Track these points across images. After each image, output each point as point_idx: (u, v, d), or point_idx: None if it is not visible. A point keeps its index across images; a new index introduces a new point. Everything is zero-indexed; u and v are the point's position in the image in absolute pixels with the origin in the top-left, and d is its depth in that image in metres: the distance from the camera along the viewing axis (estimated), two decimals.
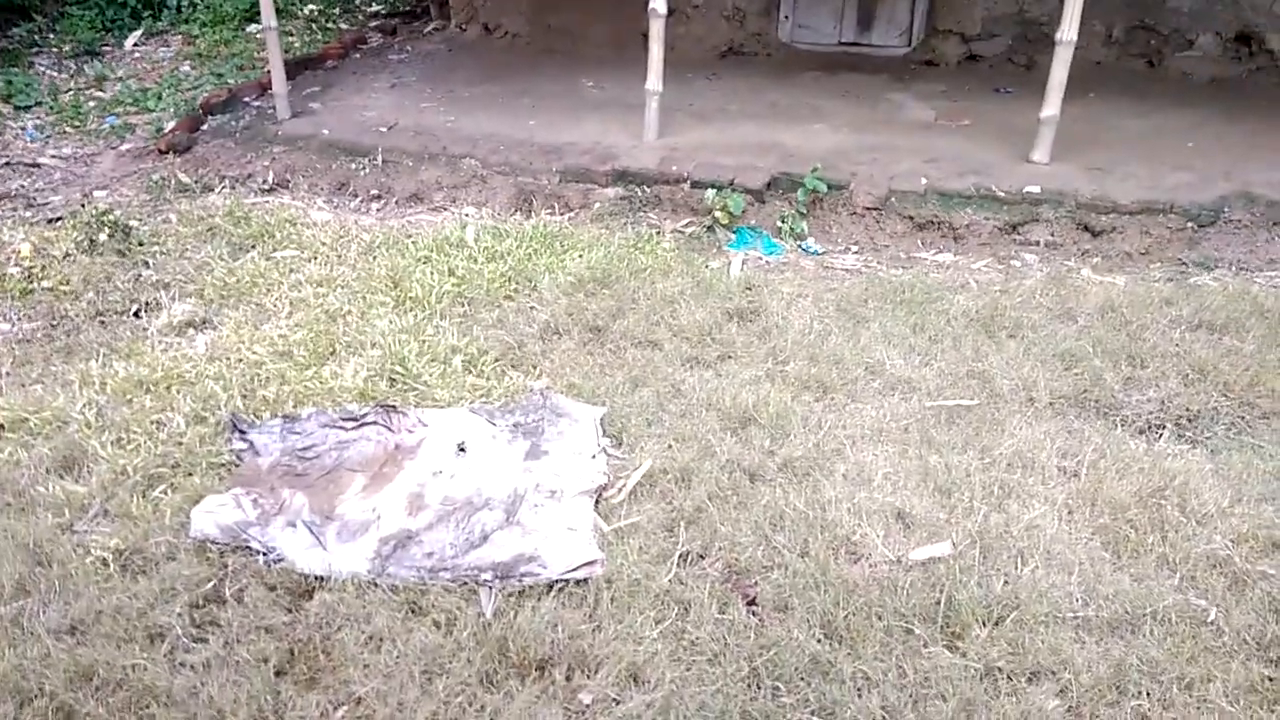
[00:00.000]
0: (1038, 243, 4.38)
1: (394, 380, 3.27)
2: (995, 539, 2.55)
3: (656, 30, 4.91)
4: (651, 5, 4.86)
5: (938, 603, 2.34)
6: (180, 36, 7.50)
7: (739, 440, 2.97)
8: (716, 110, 5.64)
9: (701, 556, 2.52)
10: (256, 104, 5.80)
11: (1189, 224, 4.35)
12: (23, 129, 5.72)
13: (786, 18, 7.00)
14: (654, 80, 5.01)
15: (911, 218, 4.53)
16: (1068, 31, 4.49)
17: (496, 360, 3.43)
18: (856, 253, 4.47)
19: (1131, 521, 2.63)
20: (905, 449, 2.94)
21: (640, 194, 4.80)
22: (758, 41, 7.06)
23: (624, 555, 2.48)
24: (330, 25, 7.78)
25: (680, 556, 2.50)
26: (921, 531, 2.59)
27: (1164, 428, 3.09)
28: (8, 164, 5.24)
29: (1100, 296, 3.85)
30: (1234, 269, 4.19)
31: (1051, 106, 4.64)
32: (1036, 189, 4.51)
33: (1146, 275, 4.15)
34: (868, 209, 4.59)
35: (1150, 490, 2.73)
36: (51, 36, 7.45)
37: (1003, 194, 4.52)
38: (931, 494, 2.74)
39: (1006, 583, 2.40)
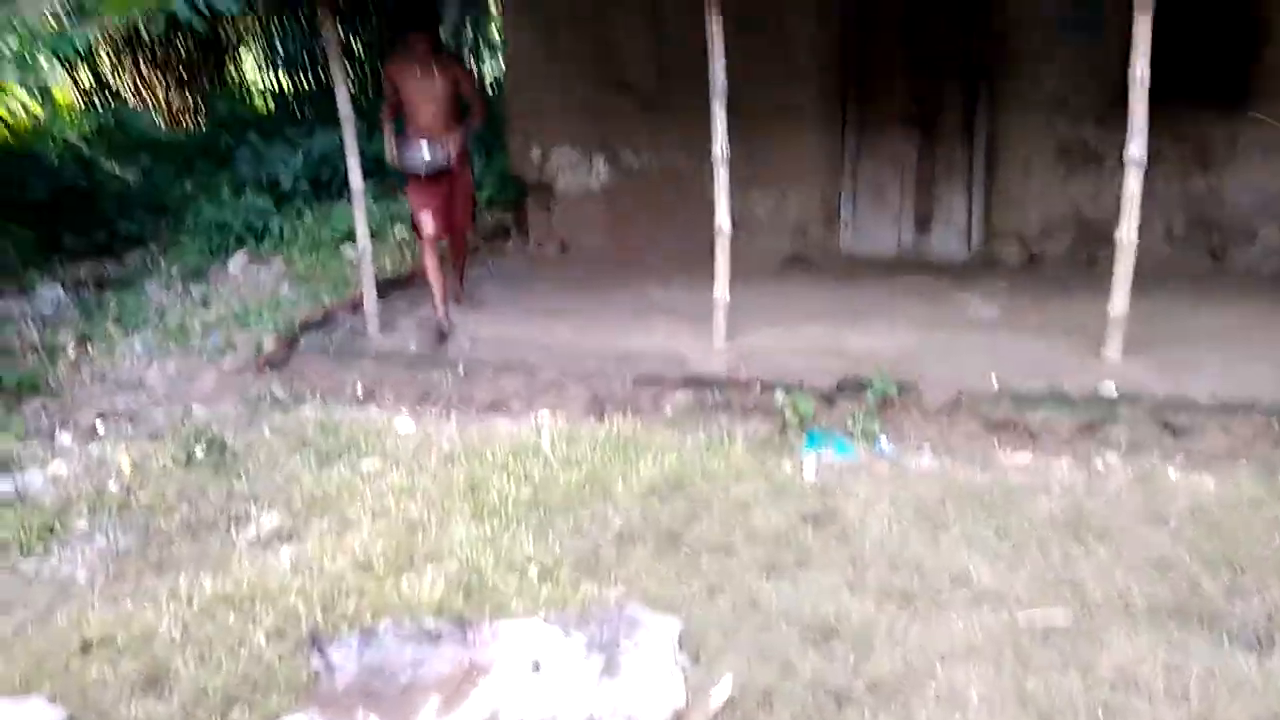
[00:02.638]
0: (1118, 442, 4.30)
1: (470, 592, 3.29)
2: None
3: (722, 244, 5.17)
4: (717, 223, 5.13)
5: None
6: (281, 259, 8.09)
7: (822, 655, 2.88)
8: (782, 315, 5.80)
9: None
10: (350, 321, 6.16)
11: (1272, 420, 4.25)
12: (131, 349, 6.13)
13: (846, 226, 7.29)
14: (721, 289, 5.22)
15: (985, 418, 4.51)
16: (1127, 232, 4.59)
17: (571, 569, 3.43)
18: (931, 454, 4.44)
19: None
20: (999, 668, 2.81)
21: (711, 397, 4.89)
22: (820, 249, 7.33)
23: None
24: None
25: None
26: None
27: (1274, 642, 2.91)
28: (115, 382, 5.59)
29: (1189, 498, 3.73)
30: None
31: (1119, 305, 4.67)
32: (1111, 387, 4.48)
33: (1234, 475, 4.01)
34: (939, 410, 4.59)
35: (1265, 716, 2.54)
36: (163, 263, 8.11)
37: (1077, 393, 4.49)
38: (1032, 719, 2.59)
39: None
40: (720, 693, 2.73)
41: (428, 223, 5.62)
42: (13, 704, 2.70)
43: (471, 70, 12.12)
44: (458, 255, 6.24)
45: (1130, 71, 4.44)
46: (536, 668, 2.86)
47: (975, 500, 3.81)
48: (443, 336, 5.59)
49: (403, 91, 5.49)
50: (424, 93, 5.45)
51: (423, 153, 5.42)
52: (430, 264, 5.72)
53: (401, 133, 5.61)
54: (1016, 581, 3.23)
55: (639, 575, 3.37)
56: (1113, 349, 4.75)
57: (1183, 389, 4.42)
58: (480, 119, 5.82)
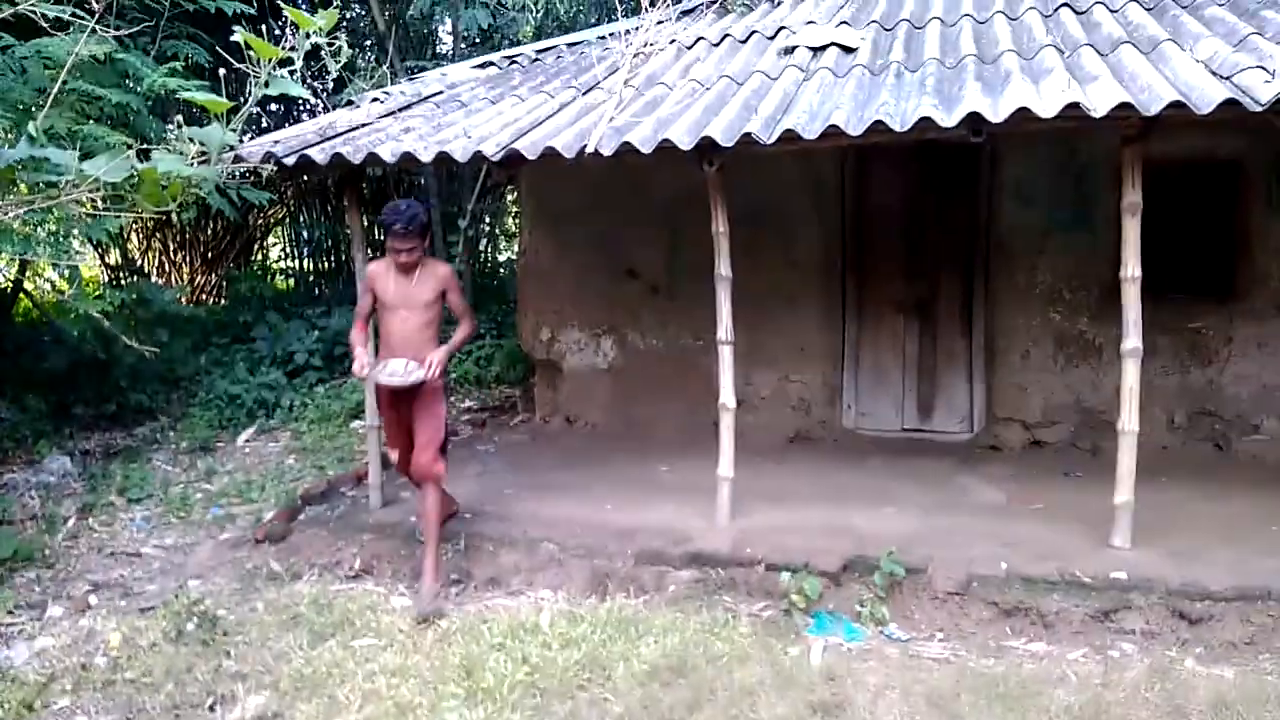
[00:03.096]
0: (1133, 631, 4.18)
1: None
2: None
3: (726, 422, 5.22)
4: (722, 400, 5.21)
5: None
6: (289, 433, 8.18)
7: None
8: (787, 493, 5.78)
9: None
10: (352, 494, 6.16)
11: None
12: (131, 520, 6.10)
13: (849, 406, 7.38)
14: (725, 466, 5.23)
15: (996, 603, 4.41)
16: (1128, 421, 4.64)
17: None
18: (942, 640, 4.31)
19: None
20: None
21: (715, 576, 4.80)
22: (823, 428, 7.39)
23: None
24: None
25: None
26: None
27: None
28: (112, 554, 5.54)
29: (1211, 692, 3.60)
30: None
31: (1124, 493, 4.66)
32: (1123, 575, 4.40)
33: (1256, 667, 3.88)
34: (949, 594, 4.50)
35: None
36: (172, 434, 8.19)
37: (1088, 580, 4.41)
38: None
39: None
40: None
41: (393, 456, 5.06)
42: None
43: (459, 277, 12.33)
44: (427, 512, 4.82)
45: (1122, 270, 4.62)
46: None
47: (990, 691, 3.67)
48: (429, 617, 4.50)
49: (380, 297, 4.74)
50: (406, 300, 4.70)
51: (391, 369, 4.65)
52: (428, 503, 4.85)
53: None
54: None
55: None
56: (1120, 537, 4.70)
57: (1195, 577, 4.34)
58: (469, 333, 4.96)
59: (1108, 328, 6.24)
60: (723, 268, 5.15)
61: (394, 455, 4.96)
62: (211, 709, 3.71)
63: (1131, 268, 4.59)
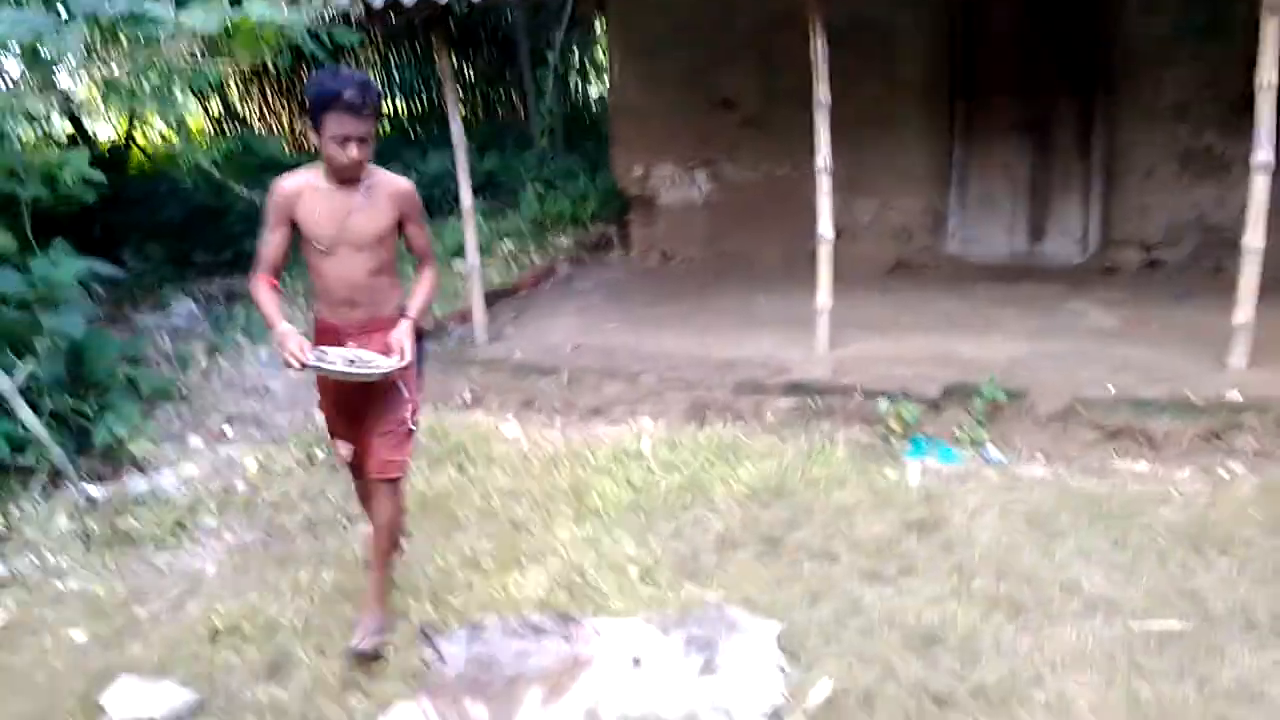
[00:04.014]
0: (1244, 451, 4.09)
1: (572, 590, 3.35)
2: None
3: (824, 252, 5.14)
4: (819, 230, 5.11)
5: None
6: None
7: (925, 662, 2.83)
8: (887, 322, 5.72)
9: None
10: (459, 331, 6.37)
11: None
12: (257, 358, 6.47)
13: (955, 232, 7.15)
14: (823, 296, 5.19)
15: (1101, 426, 4.35)
16: (1254, 238, 4.38)
17: (672, 571, 3.46)
18: (1043, 462, 4.30)
19: None
20: (1112, 677, 2.71)
21: (813, 404, 4.85)
22: (927, 255, 7.20)
23: None
24: (525, 259, 8.54)
25: None
26: None
27: None
28: (242, 389, 5.91)
29: None
30: None
31: (1245, 312, 4.45)
32: (1237, 395, 4.26)
33: None
34: (1051, 417, 4.45)
35: None
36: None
37: (1200, 401, 4.29)
38: None
39: None
40: (819, 692, 2.72)
41: (343, 450, 3.27)
42: (148, 685, 2.89)
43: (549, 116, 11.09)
44: (381, 525, 3.14)
45: (1257, 76, 4.26)
46: (637, 664, 2.90)
47: (1090, 509, 3.68)
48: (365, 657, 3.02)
49: (308, 229, 2.94)
50: (349, 232, 2.93)
51: (345, 359, 2.93)
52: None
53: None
54: (1133, 592, 3.11)
55: (738, 579, 3.38)
56: (1238, 357, 4.53)
57: None
58: (433, 285, 3.23)
59: (1237, 142, 5.79)
60: (821, 93, 4.93)
61: (342, 452, 3.25)
62: (344, 527, 4.02)
63: (1268, 75, 4.22)
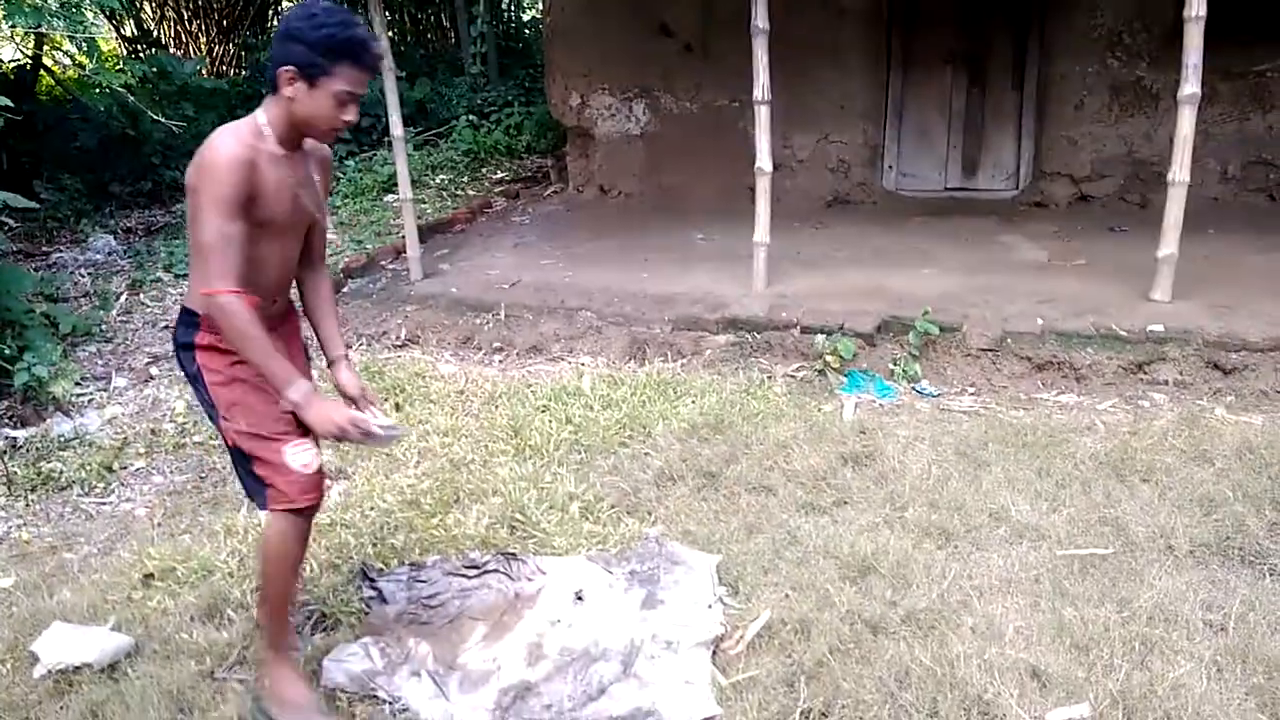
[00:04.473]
0: (1166, 382, 4.24)
1: (514, 527, 3.36)
2: (1139, 699, 2.39)
3: (763, 186, 5.12)
4: (758, 164, 5.08)
5: None
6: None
7: (859, 590, 2.90)
8: (824, 258, 5.76)
9: (824, 715, 2.44)
10: (392, 267, 6.24)
11: None
12: (180, 295, 6.27)
13: (890, 167, 7.18)
14: (761, 232, 5.19)
15: (1029, 358, 4.47)
16: (1179, 172, 4.47)
17: (612, 507, 3.48)
18: (973, 394, 4.41)
19: None
20: (1037, 601, 2.82)
21: (751, 340, 4.89)
22: (863, 190, 7.24)
23: (743, 712, 2.43)
24: (459, 193, 8.38)
25: (802, 714, 2.43)
26: (1059, 690, 2.45)
27: None
28: (167, 327, 5.73)
29: (1237, 437, 3.68)
30: None
31: (1169, 245, 4.58)
32: (1160, 328, 4.40)
33: None
34: (982, 350, 4.55)
35: None
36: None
37: (1124, 333, 4.43)
38: (1068, 650, 2.60)
39: None
40: (758, 622, 2.78)
41: (310, 462, 2.41)
42: (80, 631, 2.83)
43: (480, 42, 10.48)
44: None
45: (1185, 9, 4.30)
46: (579, 599, 2.92)
47: (1017, 440, 3.79)
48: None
49: (264, 209, 2.24)
50: (301, 213, 2.39)
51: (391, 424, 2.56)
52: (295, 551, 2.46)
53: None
54: (1057, 519, 3.23)
55: (678, 514, 3.42)
56: (1161, 290, 4.67)
57: (1233, 329, 4.33)
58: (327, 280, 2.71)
59: (1167, 74, 5.89)
60: (759, 18, 4.86)
61: (315, 462, 2.43)
62: None
63: (1196, 6, 4.27)
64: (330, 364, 2.66)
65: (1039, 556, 3.04)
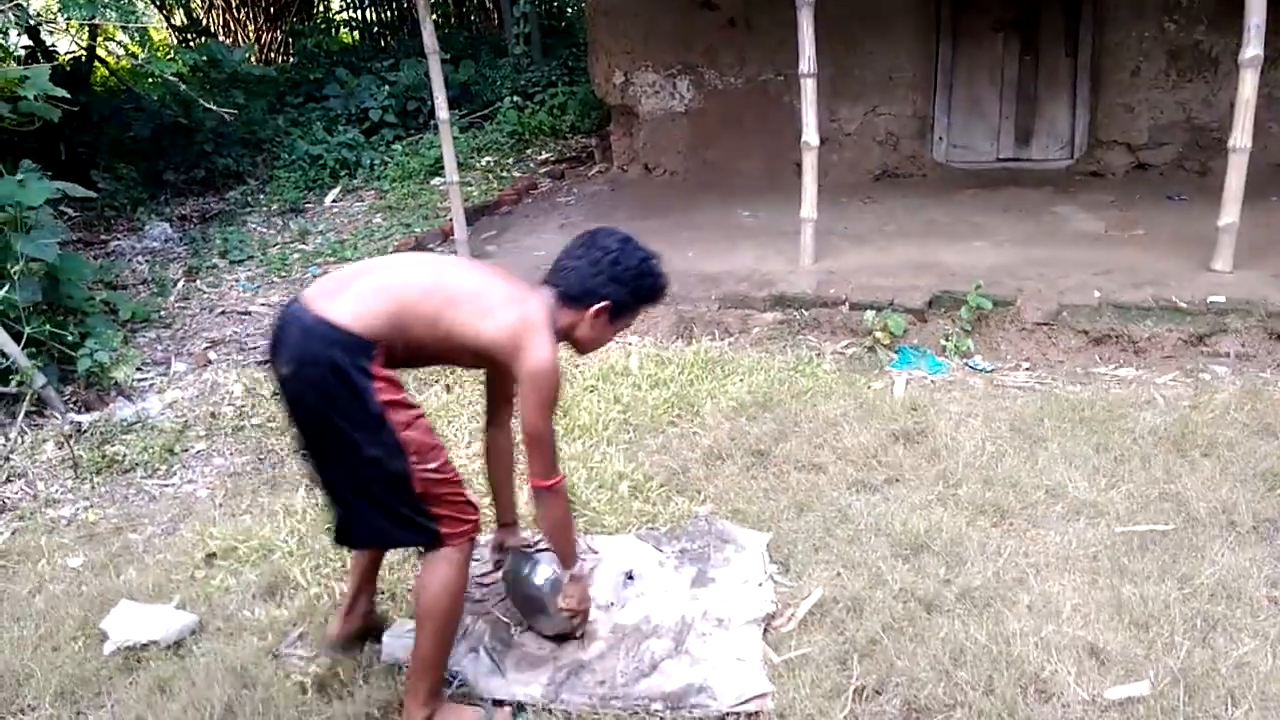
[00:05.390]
0: (1227, 354, 4.13)
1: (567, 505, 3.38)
2: (1200, 677, 2.35)
3: (810, 161, 5.06)
4: (804, 138, 5.02)
5: None
6: (373, 192, 8.28)
7: (912, 568, 2.88)
8: (872, 232, 5.69)
9: (878, 692, 2.43)
10: (440, 249, 6.28)
11: None
12: (236, 281, 6.39)
13: (941, 138, 7.05)
14: (808, 208, 5.13)
15: (1086, 332, 4.38)
16: (1241, 138, 4.33)
17: (662, 486, 3.49)
18: (1028, 369, 4.34)
19: None
20: (1095, 578, 2.77)
21: (799, 318, 4.85)
22: (912, 163, 7.12)
23: (795, 689, 2.43)
24: (505, 174, 8.41)
25: (855, 692, 2.42)
26: (1118, 669, 2.42)
27: None
28: (224, 313, 5.85)
29: None
30: None
31: (1230, 214, 4.44)
32: (1221, 299, 4.28)
33: None
34: (1037, 324, 4.47)
35: None
36: (262, 197, 8.39)
37: (1184, 304, 4.31)
38: (1127, 628, 2.56)
39: None
40: (809, 600, 2.78)
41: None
42: (147, 609, 2.91)
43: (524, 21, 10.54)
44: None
45: None
46: (630, 578, 2.94)
47: (1074, 415, 3.72)
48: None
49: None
50: None
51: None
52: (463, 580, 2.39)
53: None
54: (1116, 495, 3.17)
55: (728, 492, 3.41)
56: (1222, 260, 4.54)
57: None
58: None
59: (1226, 36, 5.70)
60: None
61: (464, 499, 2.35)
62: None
63: None
64: (503, 526, 2.91)
65: (1097, 533, 2.99)
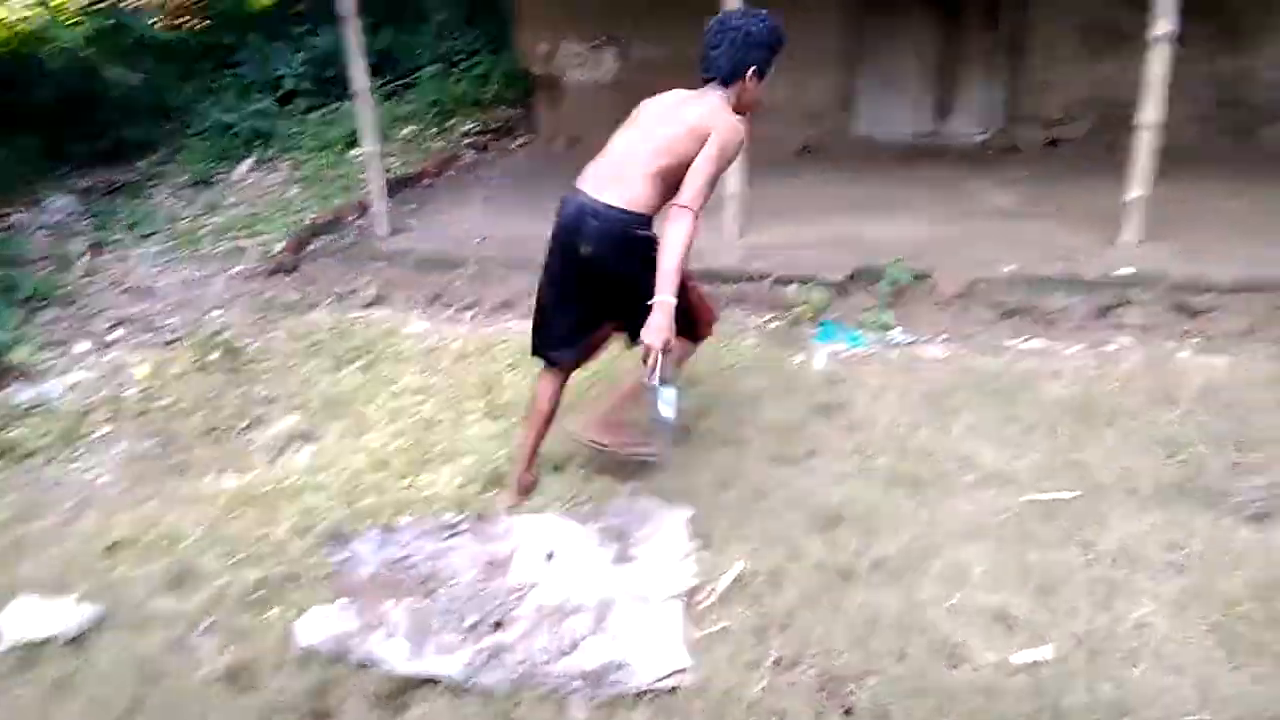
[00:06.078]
0: (1133, 326, 4.27)
1: (486, 487, 3.35)
2: (1102, 640, 2.44)
3: None
4: None
5: (1043, 709, 2.24)
6: (289, 162, 8.02)
7: (829, 540, 2.93)
8: (795, 207, 5.72)
9: (795, 663, 2.47)
10: (359, 223, 6.13)
11: None
12: (143, 256, 6.15)
13: (863, 113, 7.11)
14: (733, 182, 5.13)
15: (998, 305, 4.48)
16: (1149, 114, 4.46)
17: (585, 464, 3.47)
18: (944, 341, 4.42)
19: (1246, 617, 2.49)
20: (1003, 545, 2.85)
21: (723, 292, 4.85)
22: (834, 137, 7.17)
23: (714, 663, 2.45)
24: (426, 145, 8.21)
25: (773, 663, 2.45)
26: (1024, 633, 2.50)
27: (1273, 515, 2.93)
28: (128, 290, 5.63)
29: (1201, 379, 3.73)
30: None
31: (1137, 189, 4.57)
32: (1128, 271, 4.42)
33: (1250, 355, 3.99)
34: (954, 297, 4.55)
35: (1265, 583, 2.59)
36: (171, 168, 8.06)
37: (1093, 278, 4.44)
38: (1033, 593, 2.64)
39: (1116, 686, 2.29)
40: (729, 574, 2.80)
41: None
42: (46, 603, 2.80)
43: None
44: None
45: None
46: (551, 558, 2.93)
47: (986, 387, 3.81)
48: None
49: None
50: None
51: None
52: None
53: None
54: (1023, 464, 3.26)
55: (650, 468, 3.41)
56: (1130, 233, 4.68)
57: (1201, 271, 4.36)
58: None
59: (1141, 14, 5.84)
60: None
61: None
62: (244, 431, 3.91)
63: None
64: None
65: (1005, 501, 3.07)
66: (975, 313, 4.50)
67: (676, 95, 3.05)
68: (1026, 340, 4.34)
